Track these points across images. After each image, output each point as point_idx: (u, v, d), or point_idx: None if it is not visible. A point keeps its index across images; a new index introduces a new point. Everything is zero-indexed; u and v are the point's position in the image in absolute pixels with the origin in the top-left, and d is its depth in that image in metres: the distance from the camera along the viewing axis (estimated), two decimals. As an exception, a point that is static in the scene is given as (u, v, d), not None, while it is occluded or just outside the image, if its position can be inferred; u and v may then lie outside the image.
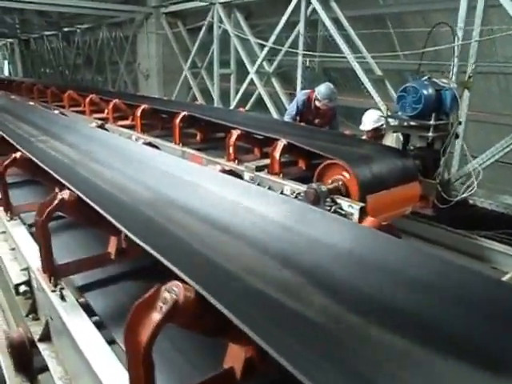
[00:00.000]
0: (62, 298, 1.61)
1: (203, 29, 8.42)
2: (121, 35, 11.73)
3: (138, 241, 1.26)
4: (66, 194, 1.67)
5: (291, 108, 4.93)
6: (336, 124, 5.04)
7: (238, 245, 1.37)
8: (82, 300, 1.72)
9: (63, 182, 1.85)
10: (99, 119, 5.98)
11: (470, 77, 4.35)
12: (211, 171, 2.20)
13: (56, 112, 4.55)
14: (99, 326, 1.56)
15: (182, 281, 1.06)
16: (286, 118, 4.92)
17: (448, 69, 5.37)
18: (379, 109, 5.34)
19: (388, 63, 6.22)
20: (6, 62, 23.23)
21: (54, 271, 1.72)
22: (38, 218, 1.68)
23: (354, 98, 6.67)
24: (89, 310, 1.64)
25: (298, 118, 4.87)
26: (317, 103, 4.65)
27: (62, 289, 1.67)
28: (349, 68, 6.50)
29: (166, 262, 1.12)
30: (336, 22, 6.03)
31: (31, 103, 5.61)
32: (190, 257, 1.29)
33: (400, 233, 1.52)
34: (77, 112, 6.78)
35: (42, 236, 1.67)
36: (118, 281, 1.84)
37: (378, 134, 4.22)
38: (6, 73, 22.25)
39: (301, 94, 4.97)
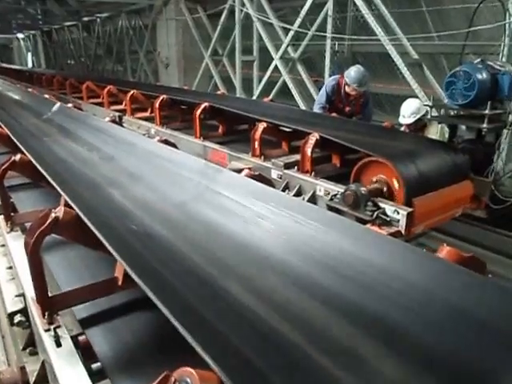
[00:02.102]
0: (57, 340, 1.32)
1: (224, 13, 8.03)
2: (140, 23, 11.45)
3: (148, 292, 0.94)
4: (60, 212, 1.36)
5: (320, 96, 4.61)
6: (369, 112, 4.65)
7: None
8: (82, 339, 1.42)
9: (62, 194, 1.55)
10: (117, 111, 5.75)
11: (524, 59, 3.84)
12: (250, 182, 1.79)
13: (69, 105, 4.29)
14: (100, 375, 1.27)
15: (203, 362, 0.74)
16: (316, 108, 4.57)
17: (489, 50, 4.87)
18: (416, 97, 4.90)
19: (423, 45, 5.71)
20: (29, 54, 23.33)
21: (49, 303, 1.42)
22: (29, 240, 1.39)
23: (386, 85, 6.18)
24: (89, 354, 1.35)
25: (327, 106, 4.51)
26: (347, 89, 4.32)
27: (57, 327, 1.37)
28: (379, 52, 6.03)
29: (182, 332, 0.79)
30: (367, 1, 5.56)
31: (47, 96, 5.37)
32: (219, 320, 0.96)
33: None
34: (95, 104, 6.56)
35: (32, 262, 1.38)
36: (126, 313, 1.53)
37: (419, 125, 3.79)
38: (30, 64, 22.33)
39: (329, 80, 4.66)
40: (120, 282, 1.55)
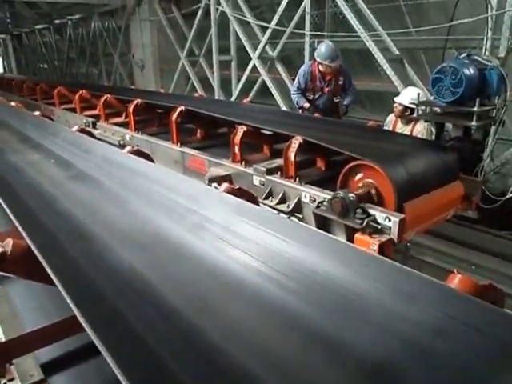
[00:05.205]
0: (8, 398, 1.13)
1: (199, 12, 7.81)
2: (113, 25, 11.13)
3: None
4: (8, 246, 1.17)
5: (294, 85, 4.62)
6: (353, 90, 4.59)
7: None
8: (43, 389, 1.23)
9: (13, 220, 1.35)
10: (90, 116, 5.51)
11: (508, 52, 3.76)
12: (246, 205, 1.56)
13: (36, 113, 4.03)
14: None
15: None
16: (294, 97, 4.58)
17: (469, 45, 4.78)
18: (398, 93, 4.78)
19: (401, 41, 5.61)
20: (0, 59, 22.60)
21: (1, 350, 1.23)
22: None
23: (369, 82, 6.07)
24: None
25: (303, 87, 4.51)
26: (321, 68, 4.33)
27: (10, 380, 1.18)
28: (359, 49, 5.92)
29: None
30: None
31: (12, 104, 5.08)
32: None
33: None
34: (67, 110, 6.28)
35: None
36: (96, 354, 1.34)
37: (410, 115, 3.61)
38: (1, 69, 21.63)
39: (302, 68, 4.63)
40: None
